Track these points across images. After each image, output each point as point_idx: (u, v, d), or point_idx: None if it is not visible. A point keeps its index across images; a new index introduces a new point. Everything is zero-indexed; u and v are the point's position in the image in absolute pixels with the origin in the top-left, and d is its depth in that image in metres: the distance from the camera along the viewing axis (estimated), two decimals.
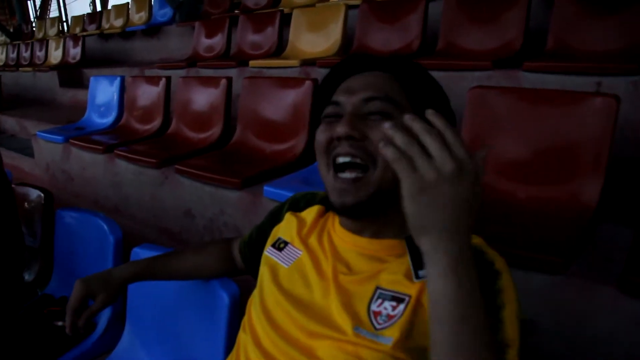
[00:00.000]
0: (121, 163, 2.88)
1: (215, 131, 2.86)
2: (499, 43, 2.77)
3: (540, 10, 2.82)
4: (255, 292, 0.94)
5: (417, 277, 0.74)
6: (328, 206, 0.95)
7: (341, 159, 0.77)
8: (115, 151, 2.90)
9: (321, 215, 0.96)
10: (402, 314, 0.73)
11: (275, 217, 1.06)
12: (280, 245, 0.95)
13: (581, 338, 1.34)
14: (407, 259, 0.77)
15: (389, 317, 0.73)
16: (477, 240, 0.80)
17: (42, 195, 2.03)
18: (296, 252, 0.91)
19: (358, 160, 0.77)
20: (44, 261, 2.03)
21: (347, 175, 0.77)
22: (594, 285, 1.31)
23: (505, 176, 1.68)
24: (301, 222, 0.96)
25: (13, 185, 1.91)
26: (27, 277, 2.03)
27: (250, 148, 2.59)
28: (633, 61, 2.09)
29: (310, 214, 0.97)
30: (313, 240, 0.91)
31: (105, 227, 1.69)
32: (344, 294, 0.79)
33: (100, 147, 3.03)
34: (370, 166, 0.76)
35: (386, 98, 0.78)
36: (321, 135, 0.82)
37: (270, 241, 0.99)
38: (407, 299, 0.74)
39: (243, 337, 0.90)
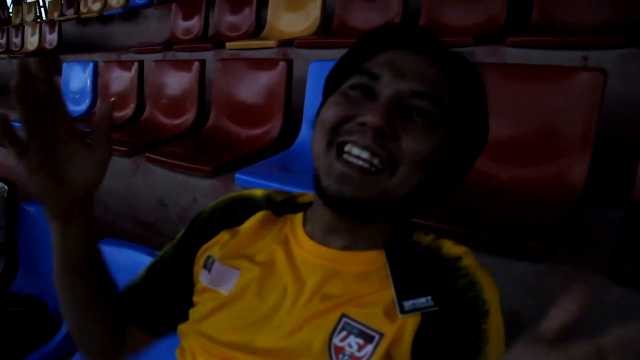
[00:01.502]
0: None
1: (189, 116, 2.77)
2: (482, 18, 2.69)
3: None
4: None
5: (403, 311, 0.59)
6: (278, 210, 0.77)
7: (355, 151, 0.60)
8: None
9: (269, 221, 0.75)
10: (369, 358, 0.58)
11: (196, 239, 0.79)
12: (208, 263, 0.74)
13: None
14: (385, 276, 0.63)
15: (353, 358, 0.59)
16: (468, 260, 0.64)
17: (6, 187, 1.95)
18: (233, 272, 0.70)
19: (376, 161, 0.60)
20: (9, 257, 1.96)
21: (355, 160, 0.60)
22: (582, 273, 1.24)
23: (486, 157, 1.59)
24: (241, 237, 0.75)
25: None
26: None
27: (225, 133, 2.51)
28: (621, 33, 2.02)
29: (252, 224, 0.75)
30: (261, 255, 0.71)
31: None
32: (302, 321, 0.63)
33: None
34: (387, 172, 0.61)
35: (437, 100, 0.63)
36: (333, 110, 0.64)
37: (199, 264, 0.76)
38: (377, 337, 0.59)
39: None
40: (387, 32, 0.71)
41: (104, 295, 0.77)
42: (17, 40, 6.96)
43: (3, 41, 7.26)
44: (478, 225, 1.36)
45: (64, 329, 1.58)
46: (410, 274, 0.63)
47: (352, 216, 0.65)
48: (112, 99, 3.33)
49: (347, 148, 0.61)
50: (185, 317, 0.73)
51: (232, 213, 0.78)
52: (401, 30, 0.70)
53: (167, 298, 0.78)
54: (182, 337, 0.72)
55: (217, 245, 0.75)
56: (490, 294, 0.61)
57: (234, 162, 2.10)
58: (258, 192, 0.81)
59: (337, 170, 0.61)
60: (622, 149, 1.73)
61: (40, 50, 6.27)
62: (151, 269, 0.82)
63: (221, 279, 0.70)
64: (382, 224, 0.68)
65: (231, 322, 0.67)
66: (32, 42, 6.61)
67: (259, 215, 0.76)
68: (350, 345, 0.59)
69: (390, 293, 0.61)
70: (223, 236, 0.75)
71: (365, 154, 0.60)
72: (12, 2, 9.13)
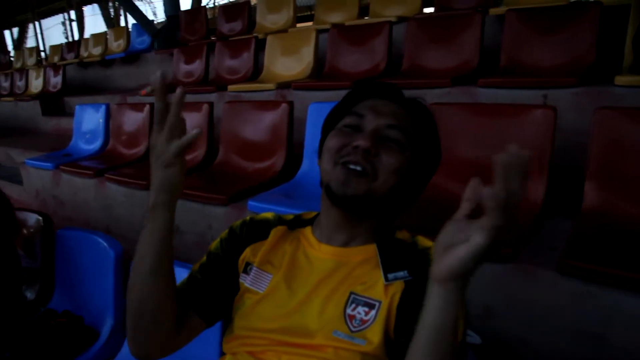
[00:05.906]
0: (112, 186, 3.03)
1: (199, 153, 3.03)
2: (457, 62, 3.01)
3: (494, 30, 3.07)
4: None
5: (387, 280, 0.85)
6: (291, 226, 1.02)
7: (352, 167, 0.86)
8: (105, 175, 3.05)
9: (285, 234, 1.00)
10: (374, 320, 0.83)
11: (233, 250, 1.00)
12: (247, 269, 0.97)
13: (531, 316, 1.54)
14: (376, 262, 0.89)
15: (362, 321, 0.83)
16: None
17: (41, 218, 2.16)
18: (266, 275, 0.95)
19: (365, 173, 0.86)
20: (44, 280, 2.12)
21: (353, 167, 0.86)
22: (539, 270, 1.52)
23: (461, 181, 1.87)
24: (267, 248, 0.98)
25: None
26: (29, 295, 2.14)
27: (233, 167, 2.78)
28: (574, 75, 2.34)
29: (274, 237, 0.99)
30: (284, 259, 0.95)
31: (105, 243, 1.83)
32: (323, 300, 0.87)
33: (91, 172, 3.18)
34: (371, 177, 0.86)
35: (404, 130, 0.90)
36: (334, 140, 0.91)
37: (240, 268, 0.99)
38: (377, 304, 0.84)
39: None
40: (368, 87, 0.99)
41: (172, 291, 0.91)
42: (20, 84, 7.20)
43: (7, 84, 7.49)
44: None
45: (102, 339, 1.77)
46: (393, 257, 0.89)
47: (352, 211, 0.90)
48: (124, 137, 3.59)
49: (345, 165, 0.87)
50: (230, 312, 0.97)
51: (257, 231, 1.01)
52: (377, 86, 0.99)
53: (221, 291, 0.98)
54: (227, 344, 0.95)
55: (251, 256, 0.98)
56: None
57: (244, 192, 2.37)
58: (269, 215, 1.06)
59: (342, 177, 0.87)
60: (576, 171, 1.99)
61: (44, 93, 6.53)
62: (204, 266, 1.00)
63: (258, 280, 0.94)
64: (372, 223, 0.93)
65: (270, 312, 0.90)
66: (36, 85, 6.85)
67: (279, 229, 1.00)
68: (359, 313, 0.84)
69: (378, 272, 0.87)
70: (254, 248, 0.99)
71: (358, 167, 0.86)
72: (13, 47, 9.41)
